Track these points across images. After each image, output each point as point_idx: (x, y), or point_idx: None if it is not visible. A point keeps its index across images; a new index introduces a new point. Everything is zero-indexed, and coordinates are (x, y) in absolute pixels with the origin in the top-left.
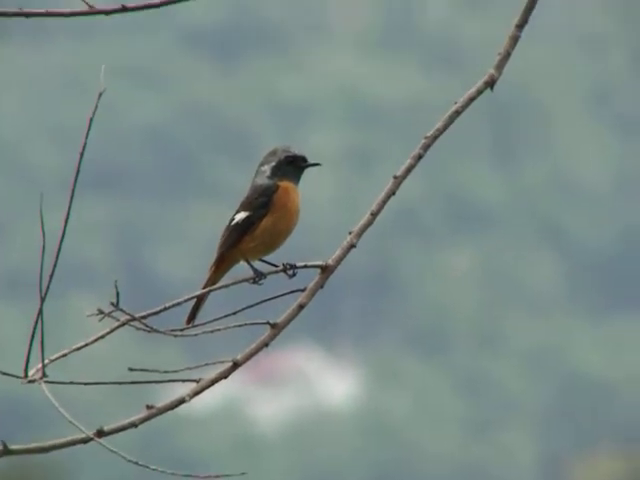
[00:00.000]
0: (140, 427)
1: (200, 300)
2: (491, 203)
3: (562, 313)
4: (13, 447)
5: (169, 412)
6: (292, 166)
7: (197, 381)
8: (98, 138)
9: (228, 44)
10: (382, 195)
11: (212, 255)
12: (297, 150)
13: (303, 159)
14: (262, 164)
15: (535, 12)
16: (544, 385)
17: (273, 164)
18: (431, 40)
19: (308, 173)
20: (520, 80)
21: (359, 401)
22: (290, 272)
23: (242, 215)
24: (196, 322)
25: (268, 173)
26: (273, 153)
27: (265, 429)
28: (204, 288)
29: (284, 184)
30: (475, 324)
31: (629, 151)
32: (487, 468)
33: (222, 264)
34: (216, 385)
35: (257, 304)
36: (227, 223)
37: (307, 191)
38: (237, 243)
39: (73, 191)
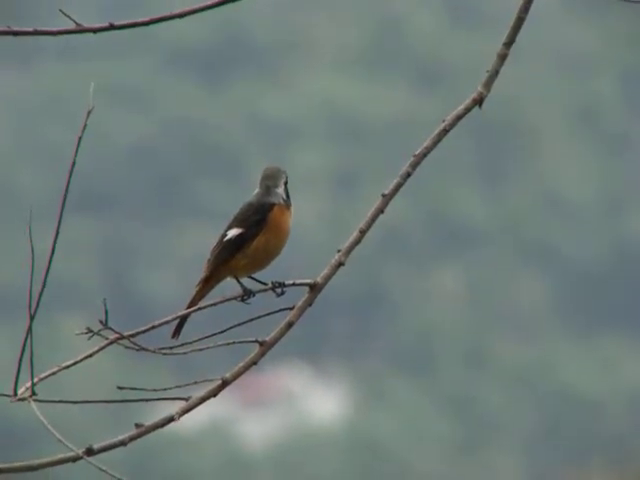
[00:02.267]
0: (130, 446)
1: (185, 315)
2: (478, 222)
3: (550, 332)
4: (1, 465)
5: (158, 431)
6: (286, 186)
7: (186, 399)
8: (84, 158)
9: (213, 63)
10: (371, 213)
11: (199, 273)
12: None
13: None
14: (270, 186)
15: (522, 30)
16: (531, 404)
17: (284, 185)
18: (417, 58)
19: (296, 191)
20: (507, 99)
21: (347, 420)
22: (278, 290)
23: (235, 232)
24: (185, 341)
25: (284, 195)
26: (277, 174)
27: (253, 448)
28: (190, 304)
29: (279, 203)
30: (462, 343)
31: (615, 169)
32: None
33: (210, 280)
34: (204, 404)
35: (245, 322)
36: (218, 239)
37: (295, 209)
38: (229, 260)
39: (62, 209)
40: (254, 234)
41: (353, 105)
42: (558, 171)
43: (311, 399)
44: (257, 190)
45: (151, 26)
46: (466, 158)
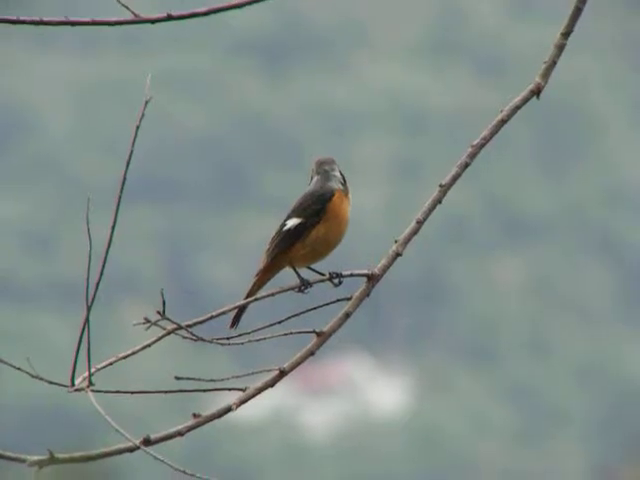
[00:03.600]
0: (188, 436)
1: (243, 305)
2: (541, 213)
3: (612, 323)
4: (59, 455)
5: (216, 421)
6: (341, 173)
7: (244, 390)
8: (147, 148)
9: (276, 53)
10: (428, 203)
11: (258, 263)
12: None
13: None
14: (328, 170)
15: (585, 21)
16: (594, 395)
17: (339, 170)
18: (479, 48)
19: (355, 181)
20: (571, 89)
21: (408, 410)
22: (336, 281)
23: (295, 221)
24: (243, 331)
25: (340, 178)
26: (331, 160)
27: (314, 438)
28: (249, 293)
29: (339, 192)
30: (525, 334)
31: None
32: (536, 478)
33: (269, 270)
34: (265, 394)
35: (303, 312)
36: (277, 228)
37: (354, 199)
38: (288, 249)
39: (119, 198)
40: (314, 224)
41: (416, 95)
42: (622, 161)
43: (373, 389)
44: (315, 178)
45: (213, 16)
46: (530, 149)
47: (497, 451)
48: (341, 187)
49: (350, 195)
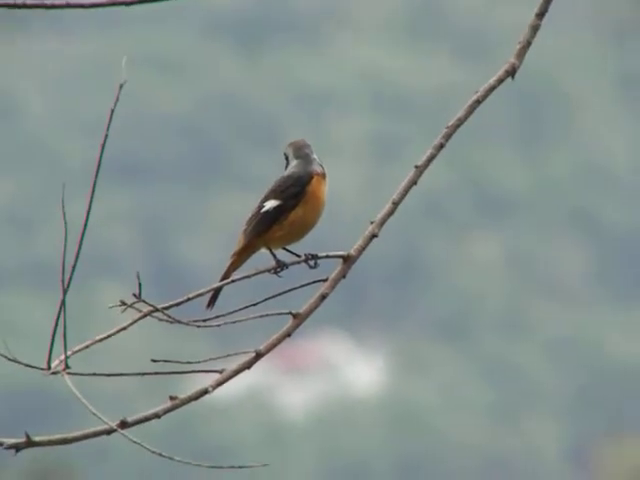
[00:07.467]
0: (165, 418)
1: (219, 287)
2: (517, 190)
3: (590, 299)
4: (36, 439)
5: (193, 403)
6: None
7: (220, 372)
8: (122, 128)
9: (252, 32)
10: (403, 184)
11: (235, 244)
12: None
13: None
14: (309, 153)
15: (561, 2)
16: (571, 371)
17: (314, 152)
18: (459, 28)
19: (332, 161)
20: (545, 67)
21: (385, 388)
22: (312, 262)
23: (273, 203)
24: (220, 312)
25: (319, 161)
26: (307, 143)
27: (291, 417)
28: (225, 275)
29: (317, 174)
30: (501, 311)
31: None
32: (514, 455)
33: (245, 251)
34: (241, 374)
35: (279, 294)
36: (255, 210)
37: (330, 180)
38: (265, 231)
39: (95, 180)
40: (292, 206)
41: (393, 75)
42: (597, 137)
43: (349, 367)
44: (295, 162)
45: None
46: (505, 128)
47: (474, 428)
48: (320, 169)
49: (326, 177)
